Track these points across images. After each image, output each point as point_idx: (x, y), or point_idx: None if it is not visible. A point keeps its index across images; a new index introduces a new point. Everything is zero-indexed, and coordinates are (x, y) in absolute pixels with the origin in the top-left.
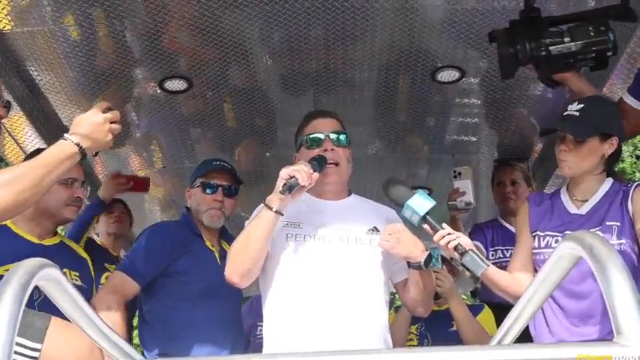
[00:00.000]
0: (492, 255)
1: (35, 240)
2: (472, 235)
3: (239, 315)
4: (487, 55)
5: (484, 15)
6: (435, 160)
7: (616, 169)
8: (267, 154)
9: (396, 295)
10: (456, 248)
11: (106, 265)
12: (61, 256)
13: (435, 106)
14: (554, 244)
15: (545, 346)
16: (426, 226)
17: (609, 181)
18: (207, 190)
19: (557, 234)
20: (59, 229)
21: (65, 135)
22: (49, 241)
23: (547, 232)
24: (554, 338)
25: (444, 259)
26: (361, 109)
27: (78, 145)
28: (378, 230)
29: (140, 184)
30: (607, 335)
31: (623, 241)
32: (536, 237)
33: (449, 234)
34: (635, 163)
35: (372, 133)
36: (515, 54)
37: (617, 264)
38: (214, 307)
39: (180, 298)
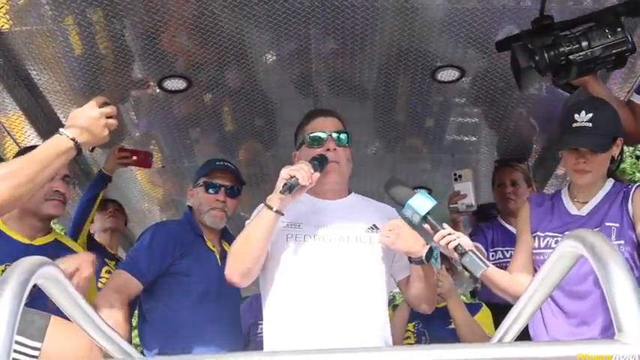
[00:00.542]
0: (492, 256)
1: (26, 240)
2: (472, 236)
3: (238, 315)
4: (487, 55)
5: (484, 14)
6: (434, 160)
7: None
8: (267, 153)
9: (395, 294)
10: (456, 249)
11: (105, 260)
12: (52, 256)
13: (434, 105)
14: (554, 245)
15: (546, 344)
16: (426, 225)
17: (610, 182)
18: (210, 190)
19: (557, 235)
20: (58, 228)
21: (61, 130)
22: (40, 241)
23: (547, 233)
24: (549, 338)
25: (443, 257)
26: (361, 108)
27: (73, 140)
28: (377, 228)
29: (143, 159)
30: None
31: (622, 242)
32: (537, 237)
33: (449, 234)
34: (635, 163)
35: (372, 132)
36: (535, 66)
37: (618, 262)
38: (214, 307)
39: (181, 298)
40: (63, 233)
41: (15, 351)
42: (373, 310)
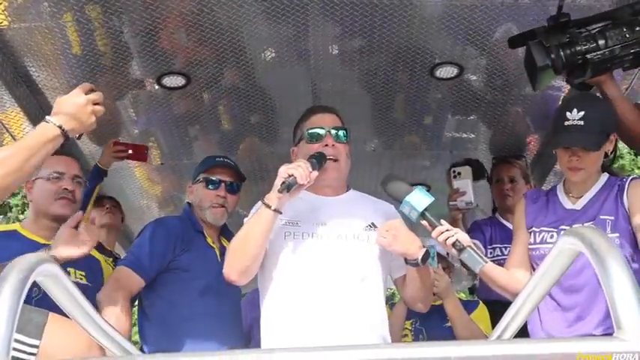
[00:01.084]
0: (491, 253)
1: (42, 241)
2: (470, 233)
3: (238, 311)
4: (486, 52)
5: (483, 11)
6: (433, 157)
7: (615, 166)
8: (266, 150)
9: (395, 292)
10: (454, 245)
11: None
12: None
13: (433, 102)
14: (549, 240)
15: (545, 341)
16: (424, 222)
17: (605, 176)
18: (210, 186)
19: (552, 229)
20: None
21: (47, 117)
22: None
23: (542, 228)
24: (544, 333)
25: (440, 257)
26: (359, 105)
27: (60, 127)
28: (375, 226)
29: (139, 153)
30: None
31: (617, 234)
32: (532, 233)
33: (447, 230)
34: (634, 159)
35: (370, 129)
36: (552, 65)
37: (617, 259)
38: (214, 303)
39: (181, 294)
40: None
41: (13, 349)
42: (371, 308)
